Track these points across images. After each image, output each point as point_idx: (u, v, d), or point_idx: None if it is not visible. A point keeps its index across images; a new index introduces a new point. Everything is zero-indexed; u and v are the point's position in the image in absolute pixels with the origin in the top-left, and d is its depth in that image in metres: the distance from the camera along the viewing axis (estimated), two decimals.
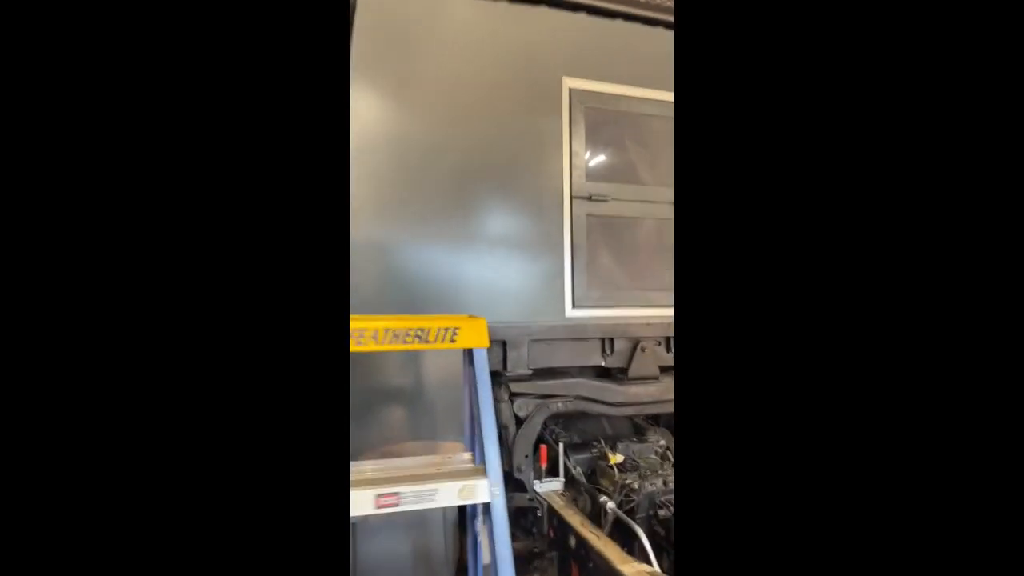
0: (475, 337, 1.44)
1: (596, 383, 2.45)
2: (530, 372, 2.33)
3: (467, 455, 1.60)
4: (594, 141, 2.57)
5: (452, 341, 1.41)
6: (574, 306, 2.45)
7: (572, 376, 2.45)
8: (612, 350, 2.52)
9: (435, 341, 1.39)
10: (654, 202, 2.63)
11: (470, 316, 1.55)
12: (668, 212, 2.67)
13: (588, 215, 2.51)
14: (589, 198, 2.50)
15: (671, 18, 2.70)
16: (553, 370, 2.44)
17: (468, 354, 1.52)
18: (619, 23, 2.61)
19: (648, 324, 2.55)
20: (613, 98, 2.59)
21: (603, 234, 2.56)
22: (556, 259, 2.44)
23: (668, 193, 2.67)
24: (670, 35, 2.72)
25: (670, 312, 2.63)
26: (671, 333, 2.63)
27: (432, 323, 1.38)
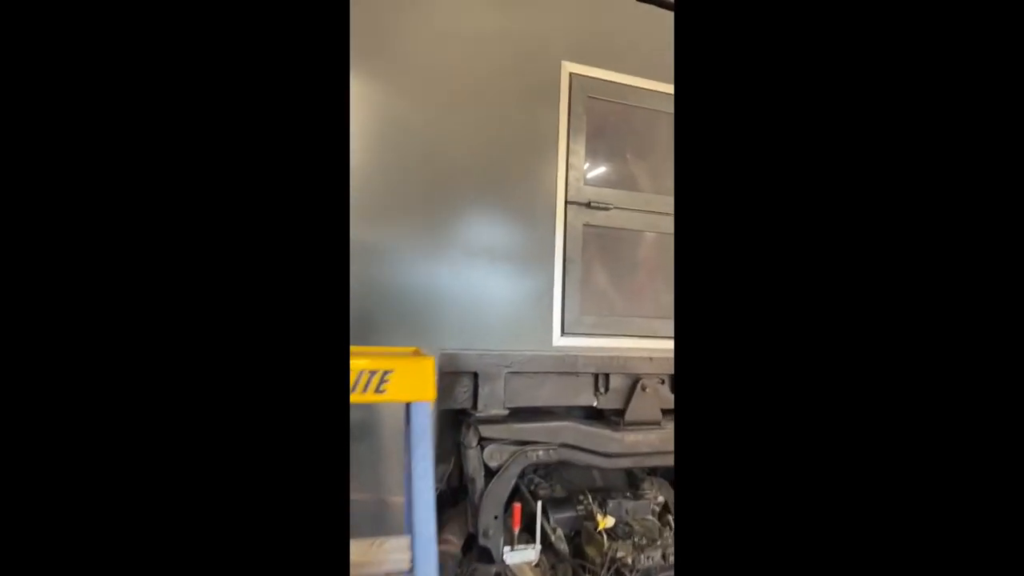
0: (415, 386, 1.02)
1: (586, 428, 2.02)
2: (506, 412, 1.91)
3: (404, 543, 1.16)
4: (596, 139, 2.17)
5: (380, 391, 0.98)
6: (563, 333, 2.03)
7: (557, 418, 2.03)
8: (607, 388, 2.10)
9: (356, 390, 0.97)
10: (663, 213, 2.22)
11: (415, 353, 1.13)
12: None
13: (585, 225, 2.10)
14: (588, 205, 2.10)
15: None
16: (535, 410, 2.02)
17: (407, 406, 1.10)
18: (631, 3, 2.22)
19: (651, 359, 2.14)
20: (620, 89, 2.19)
21: (602, 249, 2.15)
22: (545, 276, 2.02)
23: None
24: None
25: None
26: None
27: (355, 363, 0.96)
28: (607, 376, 2.09)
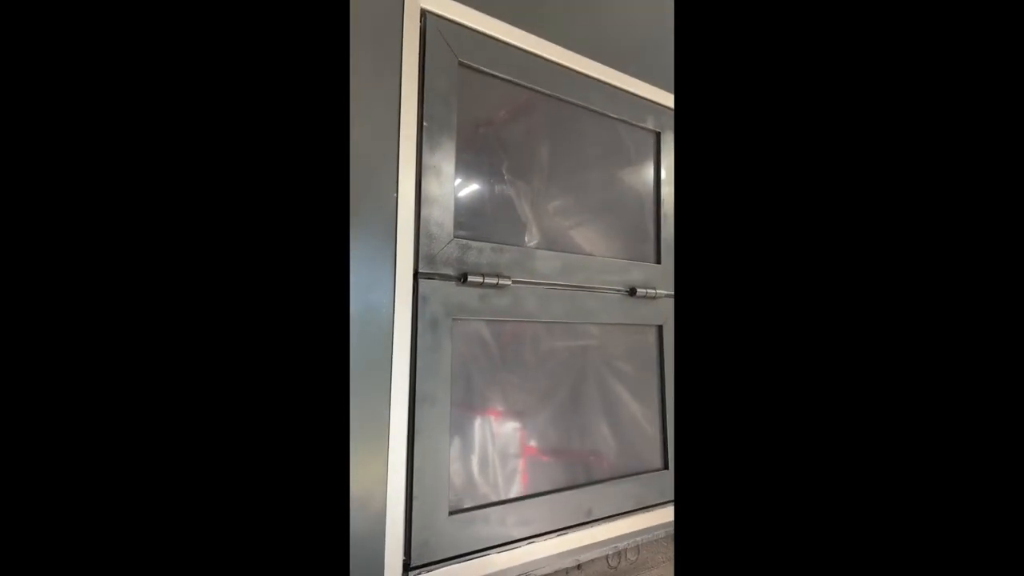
0: None
1: None
2: None
3: None
4: (478, 147, 1.12)
5: None
6: (410, 568, 0.93)
7: None
8: None
9: None
10: (605, 290, 1.26)
11: None
12: (625, 312, 1.31)
13: (459, 318, 1.03)
14: (462, 279, 1.04)
15: None
16: None
17: None
18: None
19: (579, 566, 1.14)
20: (522, 58, 1.18)
21: (491, 367, 1.10)
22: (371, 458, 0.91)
23: (629, 271, 1.32)
24: None
25: (623, 527, 1.23)
26: (624, 574, 1.23)
27: None
28: None
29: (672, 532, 1.33)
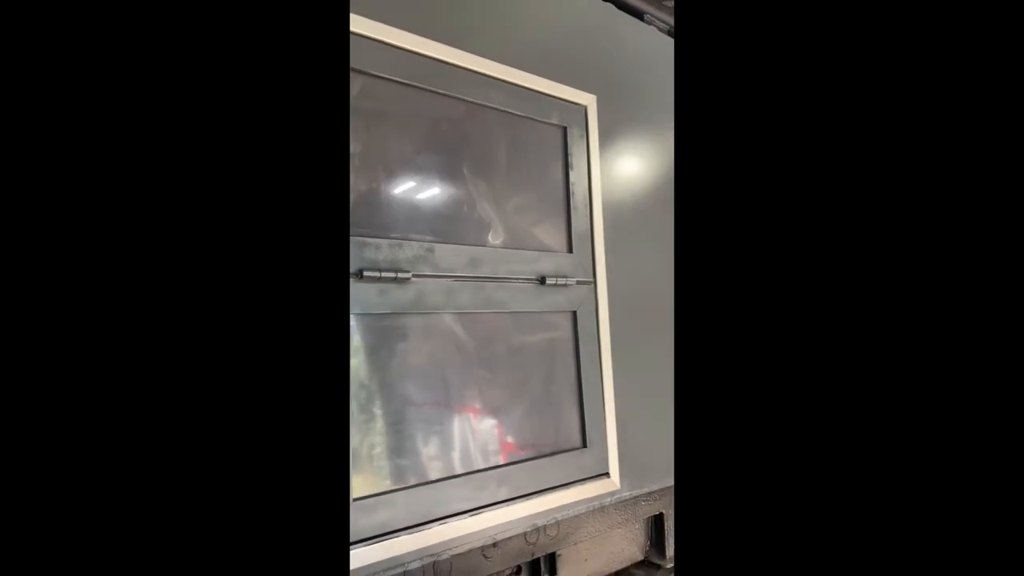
0: None
1: None
2: None
3: None
4: (370, 143, 1.17)
5: None
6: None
7: None
8: None
9: None
10: (514, 280, 1.31)
11: None
12: (537, 300, 1.37)
13: (358, 313, 1.08)
14: (358, 274, 1.08)
15: None
16: None
17: None
18: None
19: (495, 544, 1.19)
20: (419, 62, 1.22)
21: (392, 358, 1.15)
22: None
23: (539, 261, 1.38)
24: None
25: (541, 503, 1.29)
26: (543, 549, 1.29)
27: None
28: None
29: (593, 507, 1.40)
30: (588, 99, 1.55)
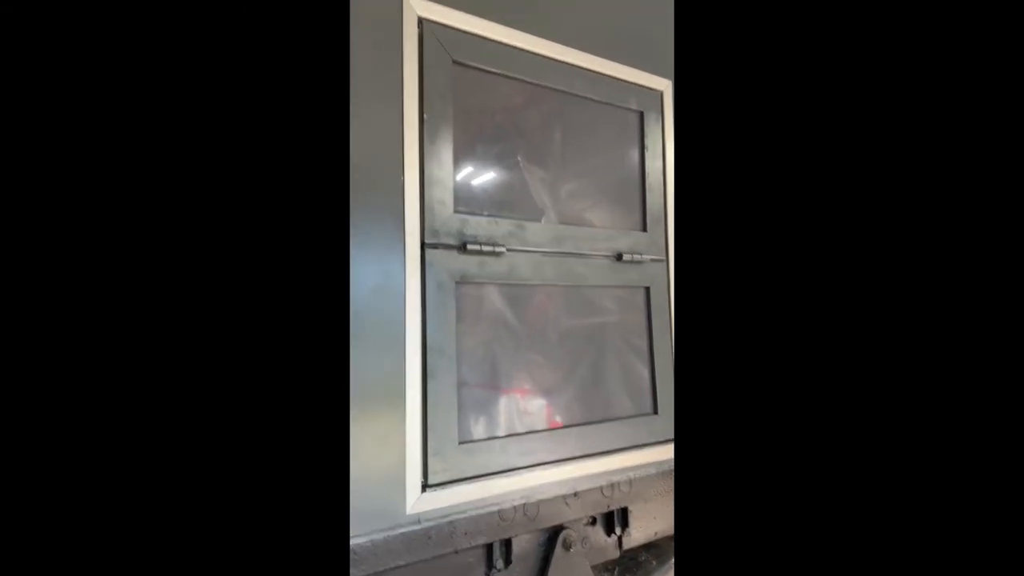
0: None
1: None
2: None
3: None
4: (471, 134, 1.29)
5: None
6: (426, 487, 1.12)
7: None
8: (507, 560, 1.24)
9: None
10: (594, 256, 1.42)
11: None
12: (613, 276, 1.47)
13: (460, 282, 1.22)
14: (462, 247, 1.22)
15: None
16: None
17: None
18: None
19: (575, 494, 1.32)
20: (506, 53, 1.34)
21: (491, 322, 1.28)
22: (388, 388, 1.10)
23: (616, 239, 1.48)
24: None
25: (616, 462, 1.41)
26: (618, 503, 1.41)
27: None
28: (507, 542, 1.23)
29: (662, 470, 1.50)
30: (664, 84, 1.62)
